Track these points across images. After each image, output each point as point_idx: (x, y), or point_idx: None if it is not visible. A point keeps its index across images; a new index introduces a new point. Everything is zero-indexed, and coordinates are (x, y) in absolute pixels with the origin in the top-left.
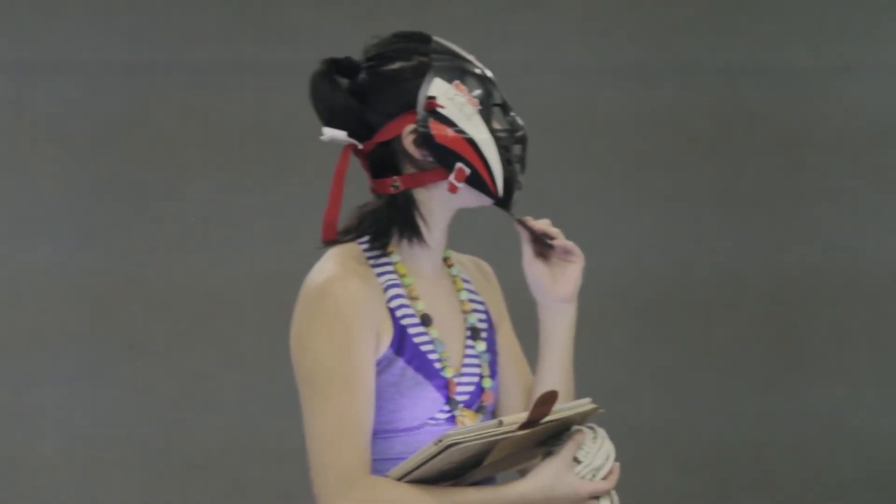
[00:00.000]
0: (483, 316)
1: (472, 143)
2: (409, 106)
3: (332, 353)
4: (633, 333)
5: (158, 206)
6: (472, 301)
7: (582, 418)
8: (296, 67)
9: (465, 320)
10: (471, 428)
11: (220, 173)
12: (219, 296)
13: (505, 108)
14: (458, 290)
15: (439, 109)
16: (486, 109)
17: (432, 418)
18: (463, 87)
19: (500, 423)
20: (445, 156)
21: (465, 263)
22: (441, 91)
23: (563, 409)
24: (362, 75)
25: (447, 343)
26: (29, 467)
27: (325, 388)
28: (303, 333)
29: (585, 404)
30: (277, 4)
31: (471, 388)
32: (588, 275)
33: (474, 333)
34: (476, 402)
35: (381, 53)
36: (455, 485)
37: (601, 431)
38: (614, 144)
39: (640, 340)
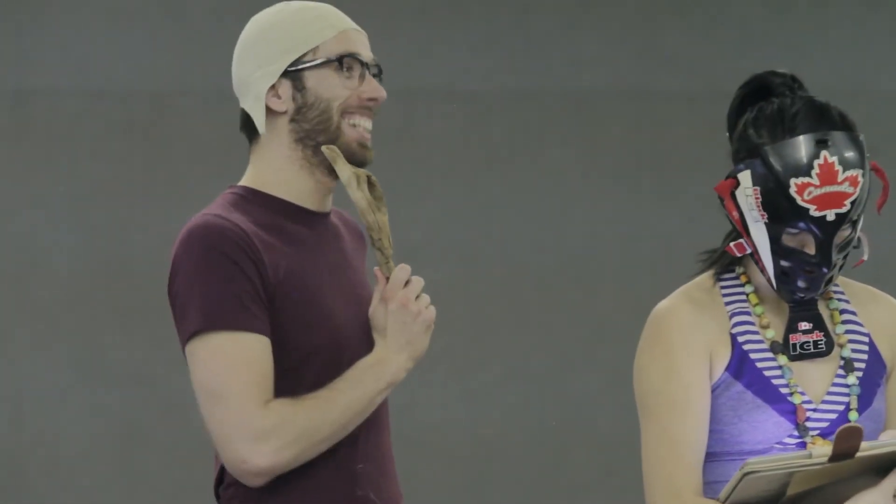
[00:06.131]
0: (864, 348)
1: (748, 234)
2: (733, 173)
3: (660, 376)
4: None
5: (543, 232)
6: (849, 332)
7: None
8: (676, 94)
9: (839, 351)
10: (774, 457)
11: (600, 197)
12: (601, 322)
13: (822, 250)
14: (835, 324)
15: (736, 191)
16: (776, 228)
17: (780, 443)
18: (759, 196)
19: (810, 456)
20: (733, 226)
21: (860, 295)
22: (744, 182)
23: (881, 444)
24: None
25: (809, 372)
26: None
27: (655, 410)
28: (638, 359)
29: None
30: (658, 31)
31: (832, 417)
32: None
33: (847, 365)
34: None
35: (762, 107)
36: None
37: None
38: None
39: None
